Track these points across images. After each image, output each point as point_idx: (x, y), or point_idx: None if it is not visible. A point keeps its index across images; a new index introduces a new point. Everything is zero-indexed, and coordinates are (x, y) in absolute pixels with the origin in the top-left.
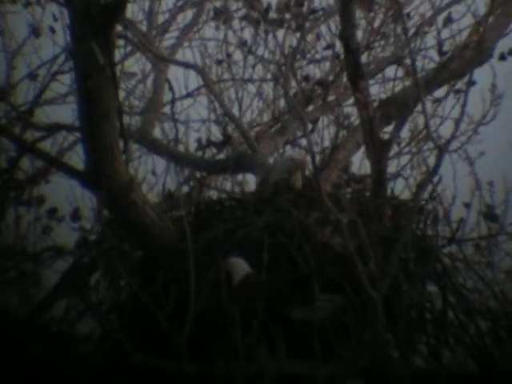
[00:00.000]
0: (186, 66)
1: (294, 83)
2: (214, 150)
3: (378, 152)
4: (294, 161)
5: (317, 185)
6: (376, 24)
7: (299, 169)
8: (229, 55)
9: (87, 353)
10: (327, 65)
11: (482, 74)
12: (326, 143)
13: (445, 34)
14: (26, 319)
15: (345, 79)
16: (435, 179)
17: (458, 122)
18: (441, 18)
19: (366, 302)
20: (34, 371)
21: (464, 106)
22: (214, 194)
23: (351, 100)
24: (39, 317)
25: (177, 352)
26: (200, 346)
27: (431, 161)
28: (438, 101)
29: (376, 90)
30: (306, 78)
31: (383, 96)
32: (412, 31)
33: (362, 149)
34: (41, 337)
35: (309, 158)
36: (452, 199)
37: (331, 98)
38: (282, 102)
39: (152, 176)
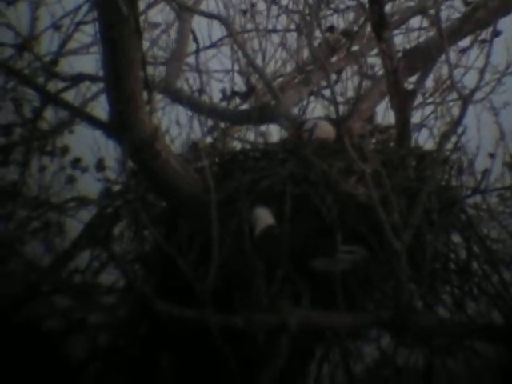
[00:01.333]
0: (210, 16)
1: (318, 33)
2: (238, 101)
3: (402, 102)
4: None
5: (340, 135)
6: None
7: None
8: (252, 5)
9: (111, 303)
10: (351, 15)
11: (507, 24)
12: (350, 94)
13: None
14: (50, 269)
15: (369, 29)
16: (459, 130)
17: (482, 71)
18: None
19: (390, 253)
20: (58, 321)
21: (488, 56)
22: (237, 145)
23: (375, 50)
24: (63, 267)
25: (200, 302)
26: (223, 297)
27: (455, 111)
28: (462, 51)
29: (400, 41)
30: (330, 28)
31: (407, 46)
32: None
33: (386, 99)
34: (65, 287)
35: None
36: (476, 150)
37: (355, 48)
38: (305, 53)
39: (176, 126)
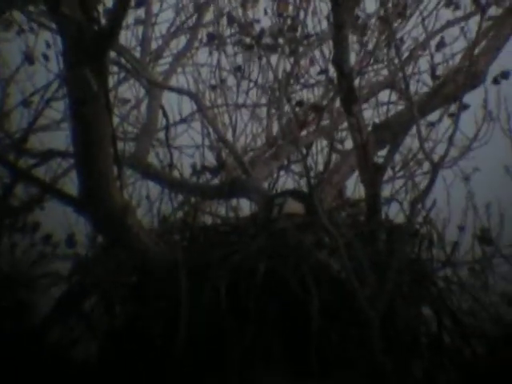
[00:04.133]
0: (180, 91)
1: (287, 108)
2: (209, 176)
3: (372, 176)
4: None
5: (313, 207)
6: (369, 48)
7: None
8: (222, 80)
9: (84, 379)
10: (321, 89)
11: (474, 97)
12: (320, 168)
13: (438, 58)
14: (22, 345)
15: (338, 104)
16: (429, 202)
17: (450, 139)
18: (434, 42)
19: (362, 325)
20: None
21: (456, 127)
22: (208, 220)
23: (345, 124)
24: (34, 343)
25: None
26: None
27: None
28: (431, 125)
29: (370, 115)
30: (300, 103)
31: (377, 120)
32: (405, 55)
33: (356, 173)
34: (37, 362)
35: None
36: (446, 222)
37: (325, 122)
38: (275, 127)
39: (146, 201)
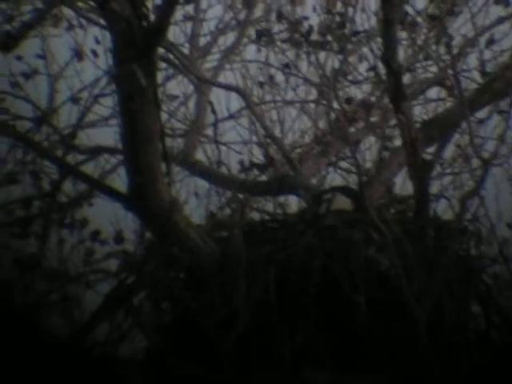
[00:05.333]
0: (228, 88)
1: (336, 105)
2: (257, 172)
3: (421, 173)
4: None
5: (359, 205)
6: (418, 45)
7: None
8: (270, 77)
9: (130, 376)
10: (369, 86)
11: None
12: (368, 164)
13: (487, 54)
14: (69, 342)
15: (387, 100)
16: (478, 199)
17: (502, 136)
18: (483, 39)
19: (409, 322)
20: None
21: (507, 125)
22: (256, 216)
23: (394, 121)
24: (82, 339)
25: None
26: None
27: (472, 184)
28: (480, 121)
29: (418, 111)
30: (348, 100)
31: (425, 117)
32: (454, 52)
33: (405, 170)
34: (84, 359)
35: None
36: (495, 219)
37: (373, 119)
38: (324, 124)
39: (194, 198)
